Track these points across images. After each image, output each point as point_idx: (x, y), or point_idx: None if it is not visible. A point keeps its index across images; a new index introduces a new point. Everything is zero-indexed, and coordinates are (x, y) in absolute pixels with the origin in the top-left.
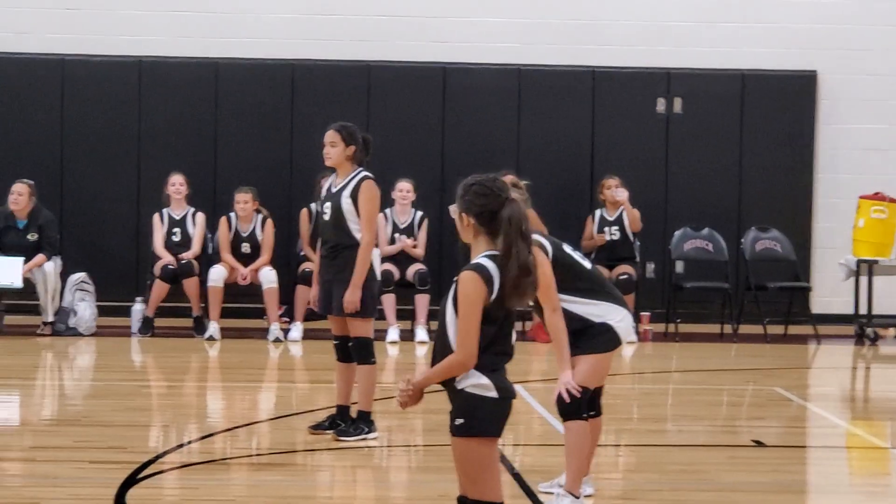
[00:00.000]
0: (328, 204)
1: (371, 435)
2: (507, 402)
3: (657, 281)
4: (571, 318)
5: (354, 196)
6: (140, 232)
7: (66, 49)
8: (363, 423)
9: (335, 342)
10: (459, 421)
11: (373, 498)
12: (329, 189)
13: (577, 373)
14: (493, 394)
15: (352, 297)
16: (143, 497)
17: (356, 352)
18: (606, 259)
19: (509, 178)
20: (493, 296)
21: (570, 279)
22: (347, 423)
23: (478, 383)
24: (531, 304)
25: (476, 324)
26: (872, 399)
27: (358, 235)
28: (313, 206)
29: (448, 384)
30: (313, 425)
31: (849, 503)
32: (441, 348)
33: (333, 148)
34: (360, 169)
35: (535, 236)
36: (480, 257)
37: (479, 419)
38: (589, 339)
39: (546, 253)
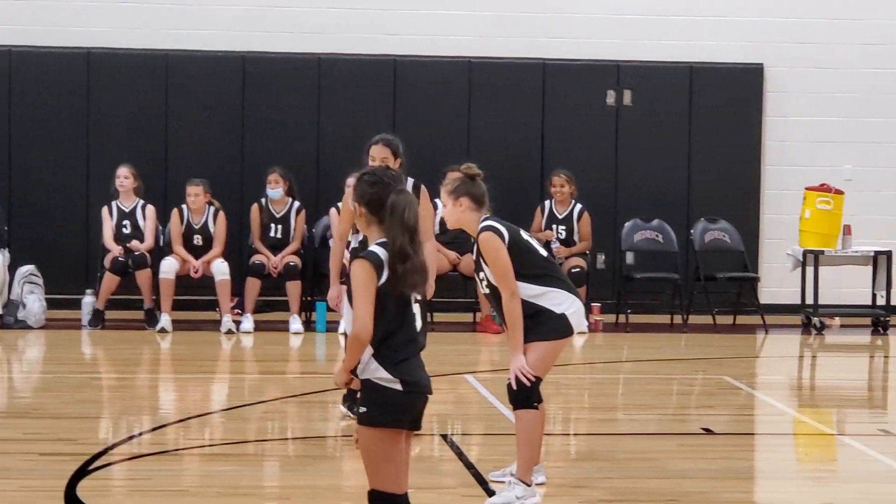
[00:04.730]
0: None
1: None
2: (413, 396)
3: (607, 272)
4: (524, 304)
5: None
6: (90, 224)
7: (13, 41)
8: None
9: None
10: (362, 409)
11: (325, 487)
12: None
13: (527, 360)
14: (398, 386)
15: None
16: (94, 488)
17: None
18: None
19: (466, 167)
20: (381, 281)
21: (526, 265)
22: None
23: (380, 376)
24: (486, 290)
25: (367, 303)
26: (819, 387)
27: None
28: (263, 200)
29: (356, 374)
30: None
31: (796, 489)
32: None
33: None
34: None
35: (492, 222)
36: (373, 245)
37: (382, 410)
38: (541, 326)
39: (502, 238)
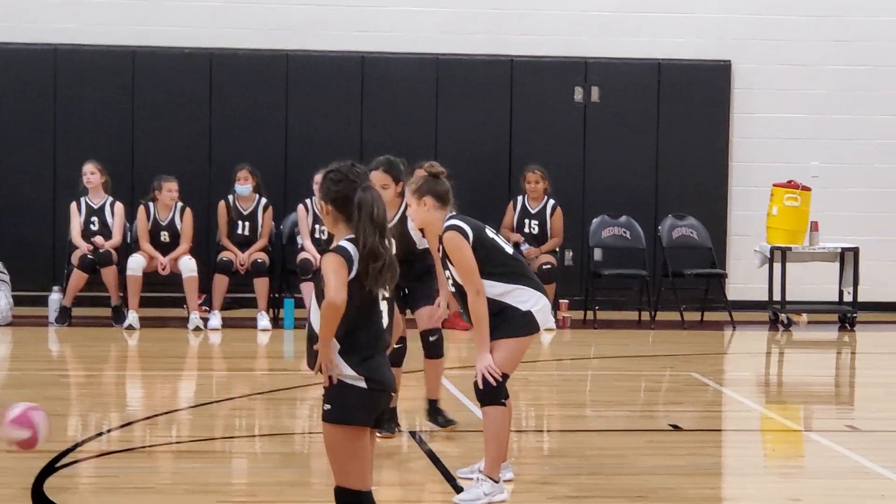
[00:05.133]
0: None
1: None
2: (377, 394)
3: (575, 268)
4: (490, 303)
5: None
6: (57, 220)
7: None
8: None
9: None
10: (326, 406)
11: (292, 483)
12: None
13: (494, 358)
14: (362, 384)
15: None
16: (62, 486)
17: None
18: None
19: (429, 165)
20: (351, 275)
21: (491, 263)
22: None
23: (343, 372)
24: (452, 289)
25: (340, 279)
26: (786, 383)
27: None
28: (230, 197)
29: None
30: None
31: (763, 485)
32: (310, 333)
33: (385, 190)
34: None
35: (456, 221)
36: (342, 240)
37: (345, 407)
38: (507, 324)
39: (466, 237)
